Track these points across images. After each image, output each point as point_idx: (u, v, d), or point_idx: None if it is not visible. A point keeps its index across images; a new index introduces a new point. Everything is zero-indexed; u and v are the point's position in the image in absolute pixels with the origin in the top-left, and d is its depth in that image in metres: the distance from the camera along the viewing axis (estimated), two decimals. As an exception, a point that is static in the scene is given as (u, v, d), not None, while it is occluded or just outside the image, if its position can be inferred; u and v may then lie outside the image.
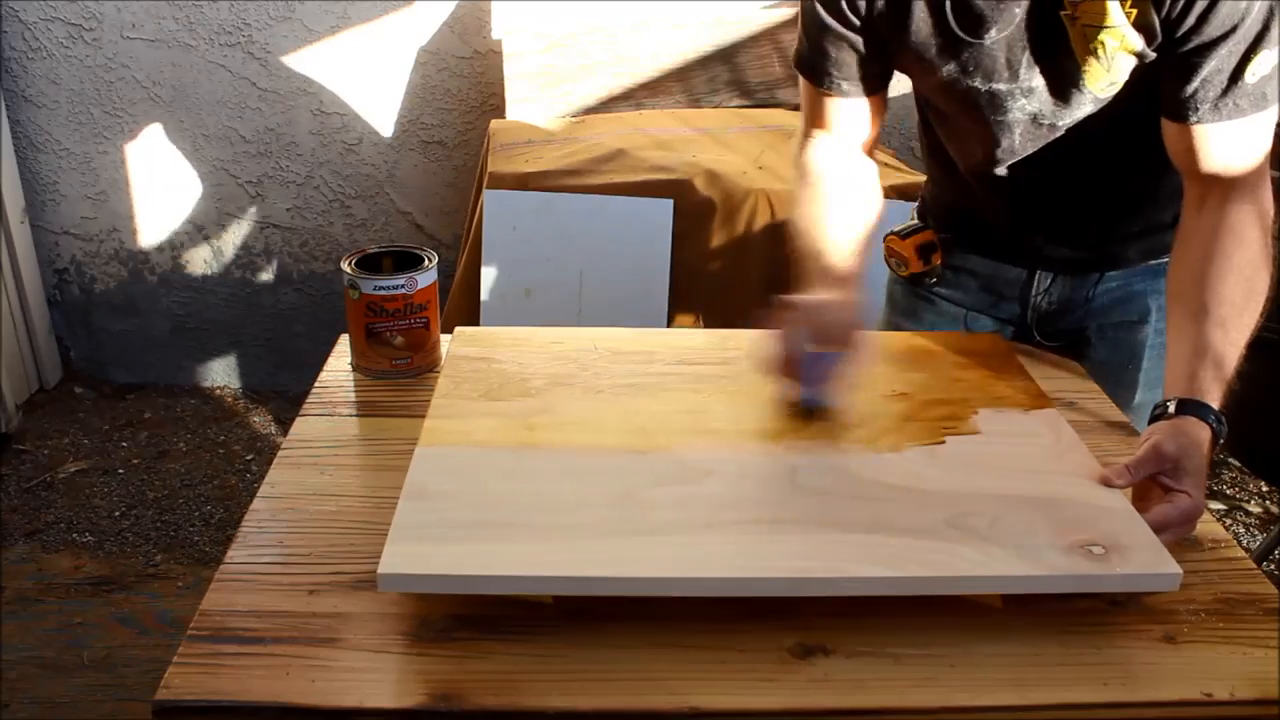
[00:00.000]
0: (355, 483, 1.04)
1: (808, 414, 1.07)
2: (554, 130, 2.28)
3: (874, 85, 1.24)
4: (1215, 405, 0.99)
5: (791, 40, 2.50)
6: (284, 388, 2.99)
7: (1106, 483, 0.96)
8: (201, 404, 2.93)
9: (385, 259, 1.25)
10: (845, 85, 1.23)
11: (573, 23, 2.46)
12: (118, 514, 2.44)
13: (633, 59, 2.46)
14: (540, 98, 2.46)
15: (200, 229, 2.85)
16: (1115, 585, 0.87)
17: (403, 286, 1.19)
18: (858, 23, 1.18)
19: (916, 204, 1.45)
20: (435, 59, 2.68)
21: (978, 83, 1.16)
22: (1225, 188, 1.09)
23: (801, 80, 1.27)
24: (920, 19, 1.14)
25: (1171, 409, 1.00)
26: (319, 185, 2.81)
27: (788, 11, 2.45)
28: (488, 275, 2.02)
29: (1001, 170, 1.24)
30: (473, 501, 0.92)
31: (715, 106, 2.45)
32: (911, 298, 1.42)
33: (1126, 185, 1.26)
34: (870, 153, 1.29)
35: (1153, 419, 1.01)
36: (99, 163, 2.77)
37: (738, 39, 2.46)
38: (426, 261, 1.22)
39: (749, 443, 1.03)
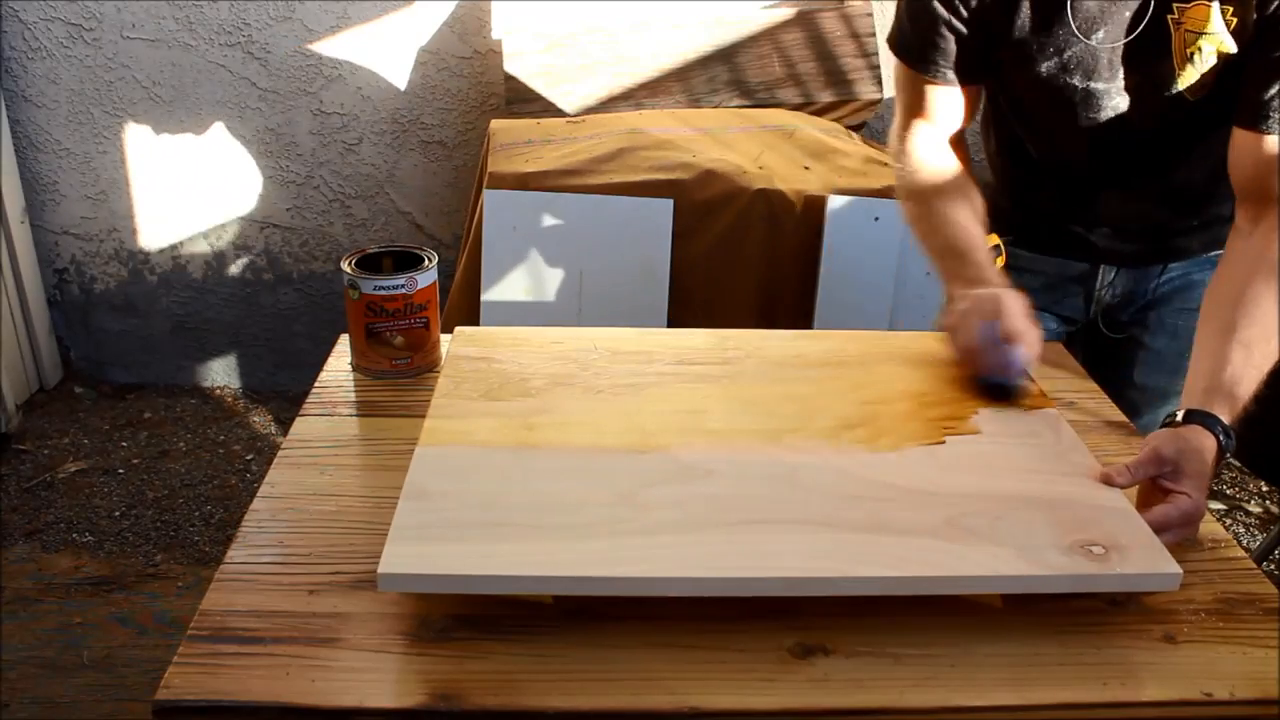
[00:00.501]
0: (355, 483, 1.04)
1: (1005, 394, 1.11)
2: (554, 130, 2.27)
3: (974, 75, 1.27)
4: (1225, 419, 0.99)
5: (792, 40, 2.51)
6: (284, 388, 2.99)
7: (1107, 480, 0.96)
8: (201, 404, 2.93)
9: (385, 259, 1.25)
10: (949, 74, 1.25)
11: (573, 23, 2.46)
12: (118, 514, 2.44)
13: (633, 59, 2.46)
14: (540, 98, 2.46)
15: (200, 229, 2.85)
16: (1115, 585, 0.87)
17: (403, 286, 1.19)
18: (966, 14, 1.20)
19: None
20: (435, 59, 2.68)
21: (1076, 80, 1.19)
22: None
23: (898, 66, 1.30)
24: (1026, 15, 1.18)
25: (1179, 418, 1.00)
26: (319, 185, 2.81)
27: (788, 11, 2.45)
28: (488, 275, 2.01)
29: (1083, 165, 1.27)
30: (473, 501, 0.92)
31: (715, 106, 2.45)
32: None
33: (1195, 180, 1.28)
34: (958, 146, 1.32)
35: (1161, 427, 1.02)
36: (99, 163, 2.77)
37: (738, 39, 2.46)
38: (426, 261, 1.22)
39: (749, 443, 1.03)
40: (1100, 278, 1.38)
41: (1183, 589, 0.87)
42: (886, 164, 2.09)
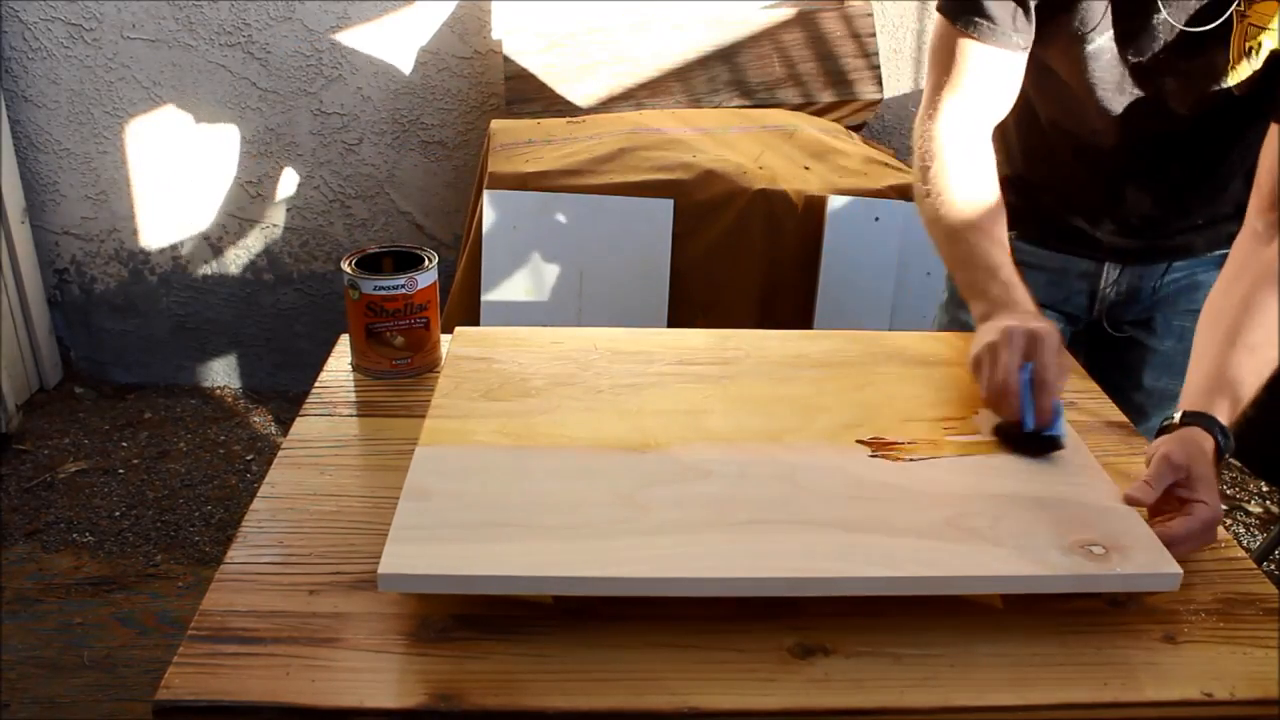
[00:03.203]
0: (355, 483, 1.04)
1: (1039, 447, 1.01)
2: (554, 130, 2.27)
3: (1022, 41, 1.17)
4: (1224, 421, 0.98)
5: (792, 40, 2.51)
6: (284, 388, 2.99)
7: (1132, 501, 0.93)
8: (201, 404, 2.93)
9: (385, 259, 1.25)
10: (999, 30, 1.15)
11: (573, 23, 2.46)
12: (118, 514, 2.44)
13: (633, 59, 2.46)
14: (540, 98, 2.46)
15: (200, 229, 2.85)
16: (1115, 585, 0.87)
17: (403, 286, 1.19)
18: None
19: None
20: (435, 59, 2.68)
21: (1129, 55, 1.15)
22: None
23: (937, 36, 1.20)
24: None
25: (1176, 419, 0.99)
26: (319, 185, 2.81)
27: (788, 11, 2.45)
28: (488, 275, 2.02)
29: (1106, 150, 1.24)
30: (473, 501, 0.92)
31: (716, 106, 2.45)
32: None
33: (1214, 176, 1.27)
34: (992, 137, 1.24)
35: (1159, 432, 1.00)
36: (99, 163, 2.77)
37: (738, 39, 2.46)
38: (426, 261, 1.22)
39: (749, 443, 1.03)
40: (1105, 275, 1.37)
41: (1183, 589, 0.86)
42: (887, 164, 2.09)
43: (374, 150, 2.77)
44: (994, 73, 1.18)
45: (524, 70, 2.44)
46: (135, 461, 2.65)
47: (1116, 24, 1.15)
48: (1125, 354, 1.42)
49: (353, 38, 2.66)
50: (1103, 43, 1.16)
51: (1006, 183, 1.26)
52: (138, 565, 2.27)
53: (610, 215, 1.96)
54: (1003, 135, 1.32)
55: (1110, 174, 1.29)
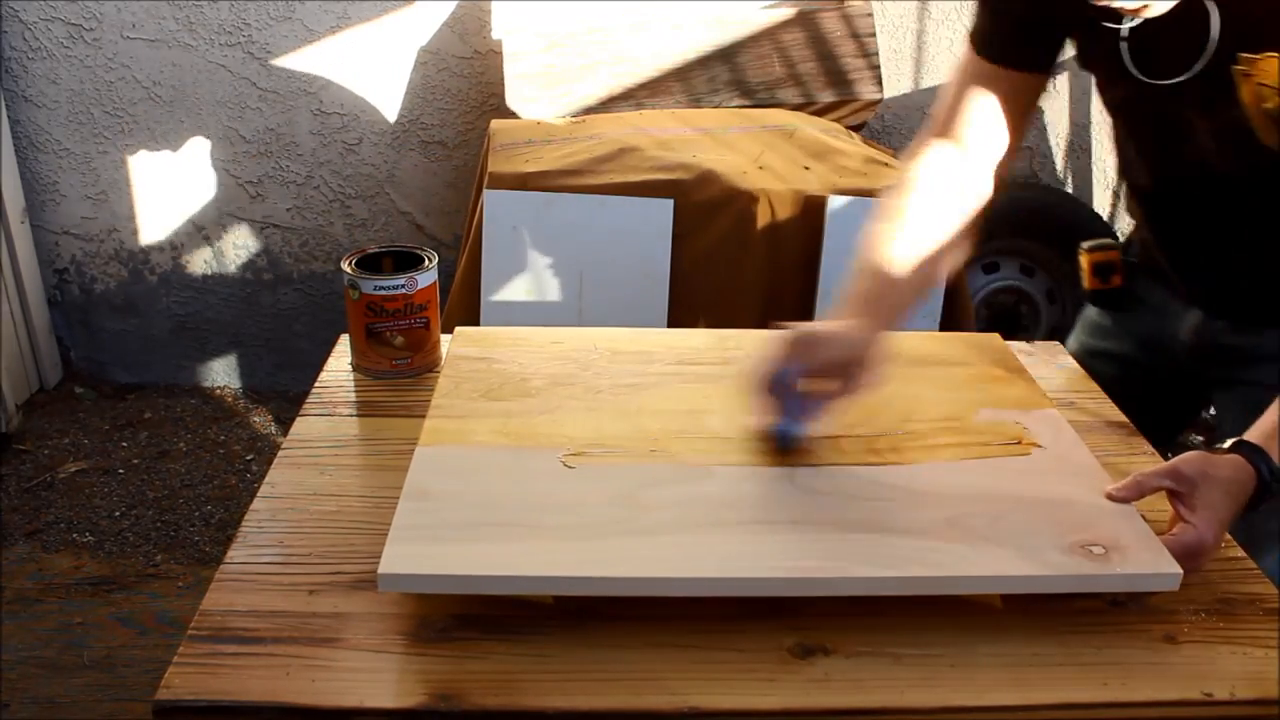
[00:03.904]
0: (355, 483, 1.04)
1: (780, 446, 1.00)
2: (554, 130, 2.27)
3: (1036, 59, 1.15)
4: (1275, 458, 0.92)
5: (792, 40, 2.51)
6: (284, 388, 2.99)
7: (1110, 497, 0.93)
8: (201, 404, 2.93)
9: (385, 259, 1.25)
10: (1011, 53, 1.14)
11: (573, 23, 2.46)
12: (118, 514, 2.44)
13: (633, 59, 2.45)
14: (540, 98, 2.45)
15: (200, 229, 2.85)
16: (1115, 585, 0.87)
17: (403, 286, 1.19)
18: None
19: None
20: (435, 59, 2.68)
21: (1150, 106, 1.09)
22: None
23: (967, 55, 1.17)
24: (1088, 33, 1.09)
25: (1225, 446, 0.94)
26: (319, 185, 2.81)
27: (788, 11, 2.45)
28: (488, 275, 2.01)
29: (1174, 199, 1.18)
30: (473, 501, 0.92)
31: (716, 106, 2.45)
32: (1097, 315, 1.38)
33: None
34: (1004, 170, 1.18)
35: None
36: (99, 163, 2.77)
37: (738, 39, 2.46)
38: (426, 261, 1.22)
39: (749, 443, 1.03)
40: (1202, 327, 1.24)
41: (1183, 589, 0.86)
42: (887, 164, 2.09)
43: (374, 150, 2.77)
44: (987, 85, 1.15)
45: (524, 70, 2.44)
46: (135, 461, 2.65)
47: (1105, 89, 1.13)
48: (1197, 405, 1.36)
49: (353, 38, 2.66)
50: (1128, 90, 1.11)
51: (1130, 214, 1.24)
52: (138, 565, 2.26)
53: (610, 215, 1.95)
54: (1126, 171, 1.28)
55: (1185, 228, 1.20)
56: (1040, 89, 1.19)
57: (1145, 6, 0.96)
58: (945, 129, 1.17)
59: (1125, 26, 1.05)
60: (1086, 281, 1.34)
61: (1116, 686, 0.80)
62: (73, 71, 2.68)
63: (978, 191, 1.16)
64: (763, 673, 0.81)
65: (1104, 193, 2.90)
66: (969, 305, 2.04)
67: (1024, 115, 1.18)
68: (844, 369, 1.01)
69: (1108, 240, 1.35)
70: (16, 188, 2.73)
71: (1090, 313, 1.40)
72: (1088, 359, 1.33)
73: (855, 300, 1.06)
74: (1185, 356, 1.26)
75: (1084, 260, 1.34)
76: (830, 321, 1.04)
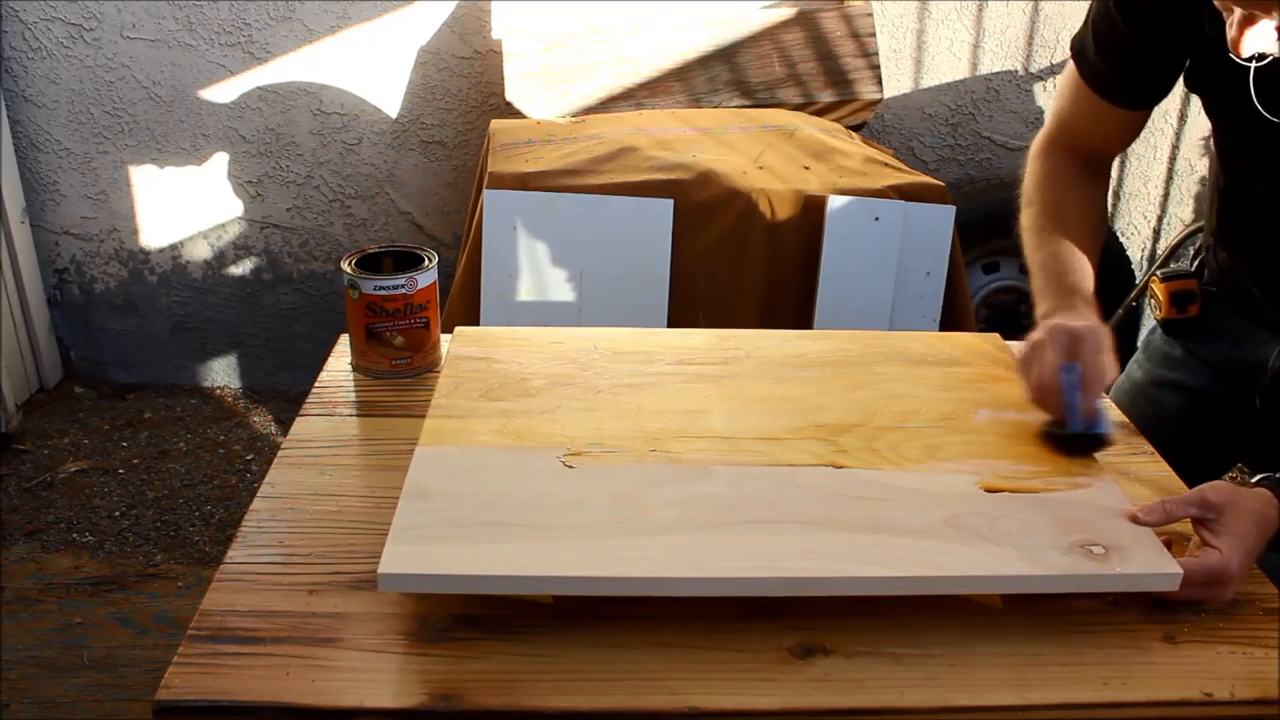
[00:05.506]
0: (355, 483, 1.04)
1: (1083, 446, 1.02)
2: (554, 130, 2.27)
3: (1144, 95, 1.19)
4: None
5: (792, 40, 2.51)
6: (284, 388, 2.99)
7: (1133, 519, 0.91)
8: (201, 404, 2.93)
9: (385, 259, 1.25)
10: (1118, 91, 1.19)
11: (573, 23, 2.46)
12: (118, 514, 2.44)
13: (633, 59, 2.46)
14: (540, 97, 2.45)
15: (200, 229, 2.85)
16: (1115, 585, 0.87)
17: (403, 286, 1.19)
18: (1152, 40, 1.13)
19: (1198, 249, 1.36)
20: (435, 59, 2.68)
21: (1270, 134, 1.07)
22: None
23: (1069, 71, 1.22)
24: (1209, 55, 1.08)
25: (1254, 480, 0.94)
26: (319, 185, 2.81)
27: (788, 11, 2.45)
28: (488, 275, 2.01)
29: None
30: (473, 501, 0.92)
31: (716, 106, 2.45)
32: (1165, 344, 1.35)
33: None
34: (1102, 171, 1.26)
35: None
36: (99, 163, 2.77)
37: (738, 39, 2.46)
38: (426, 261, 1.22)
39: (749, 442, 1.03)
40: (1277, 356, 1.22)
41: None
42: (887, 164, 2.09)
43: (374, 150, 2.77)
44: (1097, 115, 1.21)
45: (524, 70, 2.44)
46: (135, 461, 2.65)
47: (1217, 112, 1.14)
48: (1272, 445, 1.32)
49: (352, 38, 2.66)
50: (1243, 115, 1.10)
51: (1213, 254, 1.28)
52: (137, 565, 2.26)
53: (610, 215, 1.95)
54: (1210, 194, 1.30)
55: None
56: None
57: None
58: (1064, 137, 1.25)
59: (1253, 66, 1.04)
60: (1163, 311, 1.30)
61: (1116, 686, 0.80)
62: (73, 71, 2.68)
63: (1103, 187, 1.26)
64: (763, 673, 0.81)
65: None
66: (969, 305, 2.04)
67: (1132, 133, 1.25)
68: (1103, 358, 1.03)
69: (1183, 268, 1.33)
70: (16, 187, 2.73)
71: (1158, 341, 1.36)
72: (1154, 389, 1.32)
73: (1078, 294, 1.11)
74: (1272, 383, 1.24)
75: (1159, 289, 1.31)
76: (1070, 317, 1.07)
